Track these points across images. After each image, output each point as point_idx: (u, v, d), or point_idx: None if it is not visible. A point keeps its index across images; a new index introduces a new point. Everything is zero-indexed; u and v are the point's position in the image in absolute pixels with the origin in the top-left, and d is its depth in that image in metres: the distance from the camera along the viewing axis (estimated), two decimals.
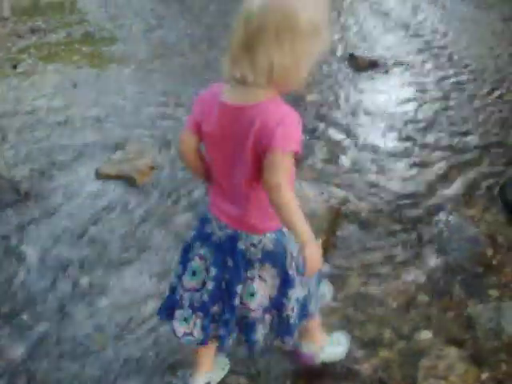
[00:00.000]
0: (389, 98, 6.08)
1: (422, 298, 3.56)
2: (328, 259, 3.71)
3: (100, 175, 4.69)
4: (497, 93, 6.08)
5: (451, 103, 5.93)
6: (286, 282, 2.56)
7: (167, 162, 4.89)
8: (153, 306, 3.49)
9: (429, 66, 6.79)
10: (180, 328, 2.68)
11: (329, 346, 3.09)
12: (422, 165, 4.88)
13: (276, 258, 2.50)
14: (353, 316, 3.41)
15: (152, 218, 4.28)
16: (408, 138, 5.30)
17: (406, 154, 5.06)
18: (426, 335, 3.30)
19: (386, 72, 6.54)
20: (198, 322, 2.65)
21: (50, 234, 4.14)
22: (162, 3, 8.84)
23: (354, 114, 5.70)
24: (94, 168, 4.78)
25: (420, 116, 5.68)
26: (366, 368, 3.12)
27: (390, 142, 5.23)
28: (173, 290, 2.74)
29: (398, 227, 4.14)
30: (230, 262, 2.51)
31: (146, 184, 4.62)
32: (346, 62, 6.85)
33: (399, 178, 4.73)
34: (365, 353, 3.20)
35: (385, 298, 3.55)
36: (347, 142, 5.20)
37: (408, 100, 6.03)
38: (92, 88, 6.28)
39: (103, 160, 4.89)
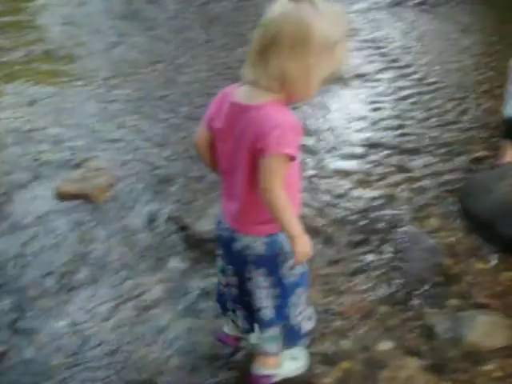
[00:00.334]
0: (346, 111, 6.12)
1: (383, 309, 3.57)
2: None
3: (59, 194, 4.65)
4: (458, 108, 6.14)
5: (410, 115, 5.99)
6: (284, 292, 2.70)
7: (127, 178, 4.86)
8: (110, 327, 3.48)
9: (388, 79, 6.84)
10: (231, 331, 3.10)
11: (287, 362, 3.09)
12: (379, 178, 4.91)
13: (269, 264, 2.60)
14: (314, 329, 3.40)
15: (112, 236, 4.24)
16: (363, 152, 5.33)
17: (360, 167, 5.09)
18: (386, 346, 3.31)
19: (345, 85, 6.58)
20: (240, 313, 2.90)
21: (7, 255, 4.09)
22: (122, 20, 8.82)
23: (310, 127, 5.71)
24: (54, 187, 4.74)
25: (377, 129, 5.73)
26: (327, 381, 3.11)
27: (345, 156, 5.26)
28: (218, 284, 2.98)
29: (357, 240, 4.15)
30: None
31: (105, 201, 4.59)
32: None
33: (355, 191, 4.75)
34: (326, 366, 3.20)
35: (345, 310, 3.55)
36: (301, 157, 5.21)
37: (365, 113, 6.08)
38: (52, 106, 6.24)
39: (63, 178, 4.85)
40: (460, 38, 8.21)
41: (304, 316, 2.86)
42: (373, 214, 4.43)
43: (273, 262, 2.60)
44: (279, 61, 2.26)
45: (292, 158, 2.33)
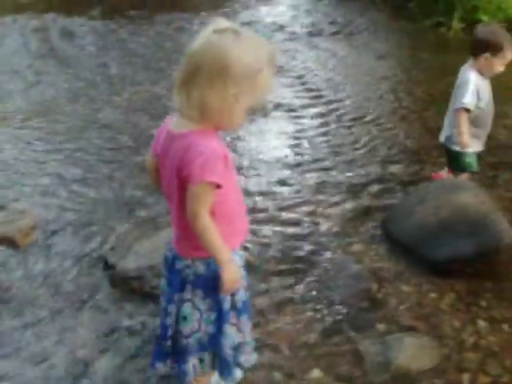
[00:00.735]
0: (266, 141, 6.18)
1: (311, 337, 3.60)
2: None
3: None
4: (374, 134, 6.26)
5: (329, 142, 6.07)
6: (221, 316, 2.67)
7: (51, 220, 4.78)
8: (38, 370, 3.40)
9: (307, 108, 6.91)
10: None
11: None
12: (301, 206, 4.97)
13: (207, 285, 2.61)
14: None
15: (36, 279, 4.16)
16: (283, 179, 5.39)
17: (281, 195, 5.14)
18: (316, 374, 3.34)
19: (265, 115, 6.63)
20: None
21: None
22: (40, 59, 8.69)
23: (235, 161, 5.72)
24: None
25: (297, 156, 5.79)
26: None
27: (266, 183, 5.31)
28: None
29: (282, 269, 4.17)
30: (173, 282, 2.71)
31: (28, 244, 4.50)
32: None
33: (277, 219, 4.79)
34: None
35: (273, 340, 3.56)
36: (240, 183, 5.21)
37: (285, 143, 6.13)
38: None
39: None
40: (376, 65, 8.38)
41: (241, 350, 2.84)
42: (296, 242, 4.47)
43: (211, 283, 2.61)
44: (199, 91, 2.33)
45: (218, 186, 2.38)
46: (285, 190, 5.22)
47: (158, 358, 2.86)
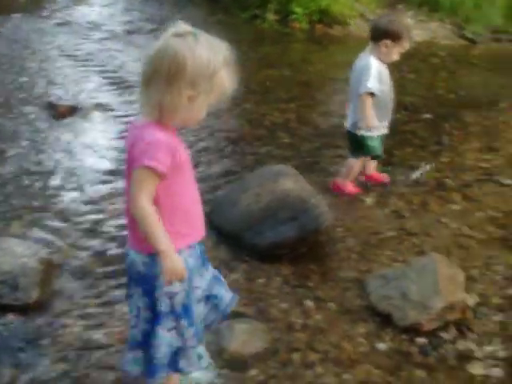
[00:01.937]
0: (89, 146, 6.05)
1: None
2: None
3: None
4: (196, 128, 6.30)
5: None
6: (154, 317, 2.66)
7: None
8: None
9: (127, 107, 6.87)
10: None
11: None
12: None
13: (145, 284, 2.62)
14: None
15: None
16: (110, 183, 5.34)
17: (110, 199, 5.07)
18: None
19: (86, 117, 6.52)
20: None
21: None
22: None
23: (56, 167, 5.58)
24: None
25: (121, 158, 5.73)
26: None
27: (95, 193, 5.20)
28: None
29: (110, 269, 4.14)
30: None
31: None
32: (45, 111, 6.64)
33: (109, 222, 4.73)
34: None
35: (107, 340, 3.51)
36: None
37: (106, 143, 6.09)
38: None
39: None
40: None
41: (181, 354, 2.77)
42: (119, 245, 4.40)
43: (149, 282, 2.62)
44: (158, 92, 2.44)
45: (161, 175, 2.44)
46: (111, 191, 5.17)
47: None
